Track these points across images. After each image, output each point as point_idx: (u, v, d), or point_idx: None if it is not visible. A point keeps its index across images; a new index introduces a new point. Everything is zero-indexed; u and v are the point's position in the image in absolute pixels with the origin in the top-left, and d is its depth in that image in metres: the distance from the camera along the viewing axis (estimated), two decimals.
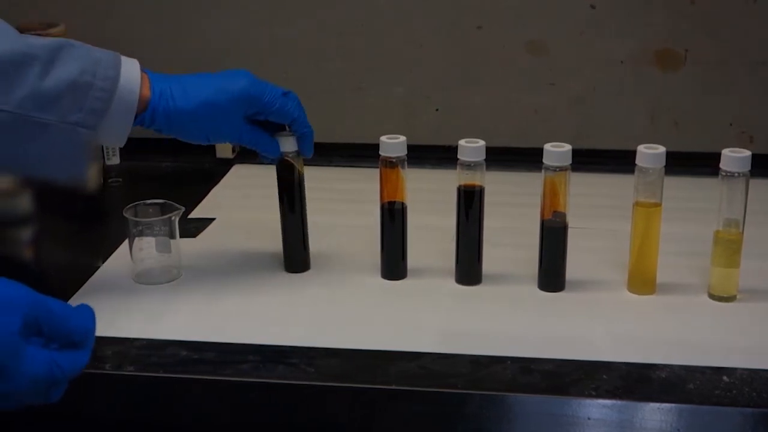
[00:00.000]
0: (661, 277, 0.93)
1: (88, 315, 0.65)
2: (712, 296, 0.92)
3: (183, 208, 0.97)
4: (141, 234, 0.96)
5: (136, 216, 0.95)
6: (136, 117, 0.87)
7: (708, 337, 0.86)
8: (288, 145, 0.95)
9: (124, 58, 0.87)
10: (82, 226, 1.14)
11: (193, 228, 1.10)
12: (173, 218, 0.96)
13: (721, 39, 1.27)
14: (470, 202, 0.93)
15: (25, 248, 1.09)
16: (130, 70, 0.86)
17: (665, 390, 0.77)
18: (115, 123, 0.85)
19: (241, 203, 1.21)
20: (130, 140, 0.90)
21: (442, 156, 1.18)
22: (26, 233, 1.10)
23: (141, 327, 0.87)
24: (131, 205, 0.96)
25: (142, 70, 0.88)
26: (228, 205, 1.20)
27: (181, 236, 0.98)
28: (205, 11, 1.35)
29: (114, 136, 0.87)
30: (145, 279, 0.96)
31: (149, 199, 0.97)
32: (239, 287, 0.95)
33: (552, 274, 0.94)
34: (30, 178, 0.90)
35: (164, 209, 0.96)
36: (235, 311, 0.91)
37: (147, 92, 0.87)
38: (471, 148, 0.92)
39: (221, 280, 0.97)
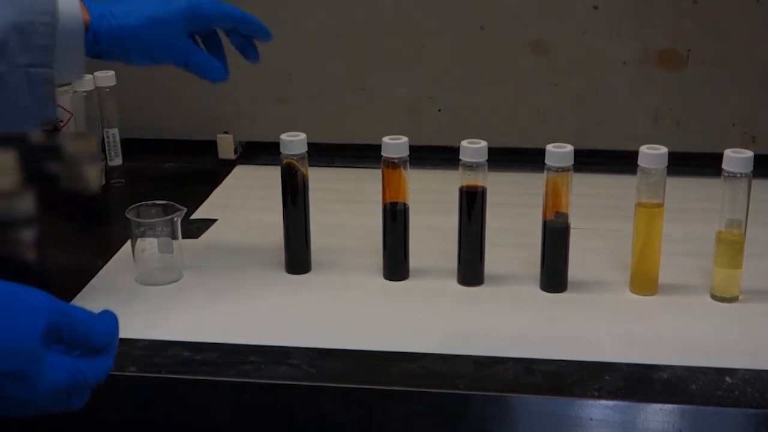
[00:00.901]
0: (663, 277, 0.93)
1: (110, 320, 0.65)
2: (714, 297, 0.92)
3: (185, 209, 0.97)
4: (143, 235, 0.96)
5: (138, 217, 0.95)
6: None
7: (710, 337, 0.86)
8: (293, 147, 0.95)
9: None
10: (83, 227, 1.14)
11: (194, 229, 1.10)
12: (175, 219, 0.96)
13: (723, 39, 1.26)
14: (472, 203, 0.93)
15: (27, 249, 1.09)
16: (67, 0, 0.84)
17: (667, 391, 0.76)
18: (67, 55, 0.83)
19: (243, 204, 1.20)
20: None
21: (445, 156, 1.18)
22: (27, 234, 1.10)
23: (143, 328, 0.87)
24: (133, 206, 0.96)
25: None
26: (230, 205, 1.20)
27: (183, 237, 0.98)
28: None
29: (69, 69, 0.84)
30: (148, 280, 0.96)
31: (151, 200, 0.97)
32: (241, 288, 0.95)
33: (554, 275, 0.94)
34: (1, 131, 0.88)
35: (166, 210, 0.96)
36: (236, 312, 0.91)
37: (86, 16, 0.85)
38: (473, 148, 0.92)
39: (223, 281, 0.97)
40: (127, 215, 0.95)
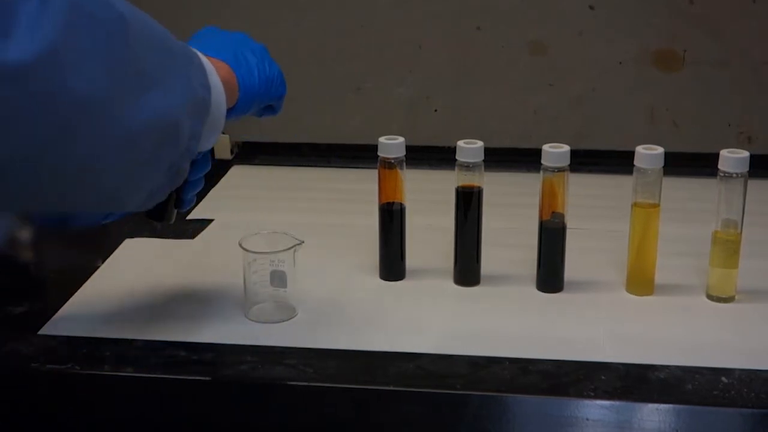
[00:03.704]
0: (659, 277, 0.94)
1: None
2: (710, 297, 0.93)
3: (303, 241, 0.89)
4: (257, 267, 0.89)
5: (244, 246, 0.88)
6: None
7: (706, 337, 0.86)
8: None
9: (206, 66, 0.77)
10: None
11: (191, 229, 1.10)
12: (295, 251, 0.88)
13: (720, 39, 1.27)
14: (468, 203, 0.93)
15: (25, 249, 1.09)
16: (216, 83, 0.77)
17: (664, 390, 0.77)
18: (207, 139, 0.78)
19: (240, 204, 1.21)
20: None
21: (442, 156, 1.18)
22: (26, 233, 1.10)
23: (139, 328, 0.87)
24: (245, 236, 0.89)
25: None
26: (226, 206, 1.20)
27: (178, 237, 0.98)
28: (206, 12, 1.35)
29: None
30: (260, 317, 0.89)
31: None
32: (237, 289, 0.95)
33: (550, 275, 0.94)
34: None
35: (270, 240, 0.89)
36: (232, 313, 0.91)
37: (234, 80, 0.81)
38: (469, 148, 0.92)
39: (219, 281, 0.97)
40: (241, 245, 0.88)
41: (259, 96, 0.85)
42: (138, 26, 0.65)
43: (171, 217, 0.86)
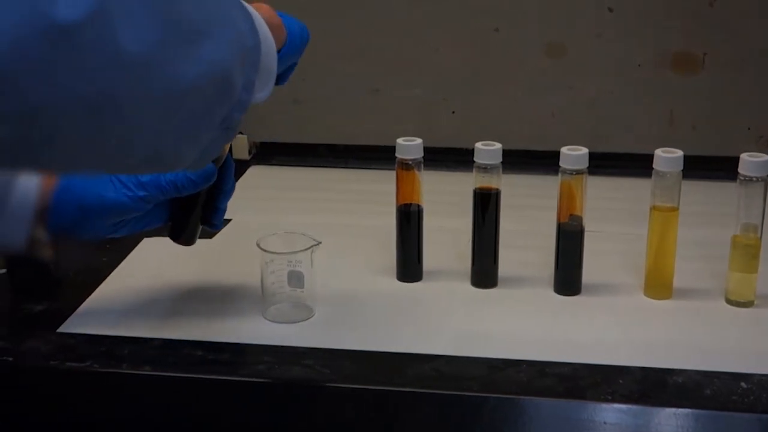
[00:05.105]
0: (677, 281, 0.93)
1: None
2: (729, 301, 0.92)
3: (320, 242, 0.89)
4: (274, 267, 0.89)
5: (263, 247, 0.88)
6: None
7: (725, 342, 0.85)
8: None
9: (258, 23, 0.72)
10: None
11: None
12: (312, 252, 0.88)
13: (739, 42, 1.26)
14: (486, 205, 0.93)
15: (43, 248, 1.10)
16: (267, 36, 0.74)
17: (682, 395, 0.76)
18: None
19: (258, 205, 1.21)
20: None
21: (459, 158, 1.18)
22: (43, 232, 1.11)
23: (157, 327, 0.87)
24: (264, 236, 0.89)
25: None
26: (244, 206, 1.19)
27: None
28: None
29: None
30: (277, 317, 0.90)
31: None
32: (255, 289, 0.96)
33: (568, 278, 0.94)
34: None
35: (287, 240, 0.89)
36: (249, 312, 0.91)
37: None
38: (487, 150, 0.92)
39: (236, 281, 0.97)
40: (259, 246, 0.88)
41: (301, 31, 0.82)
42: None
43: (193, 238, 0.88)
